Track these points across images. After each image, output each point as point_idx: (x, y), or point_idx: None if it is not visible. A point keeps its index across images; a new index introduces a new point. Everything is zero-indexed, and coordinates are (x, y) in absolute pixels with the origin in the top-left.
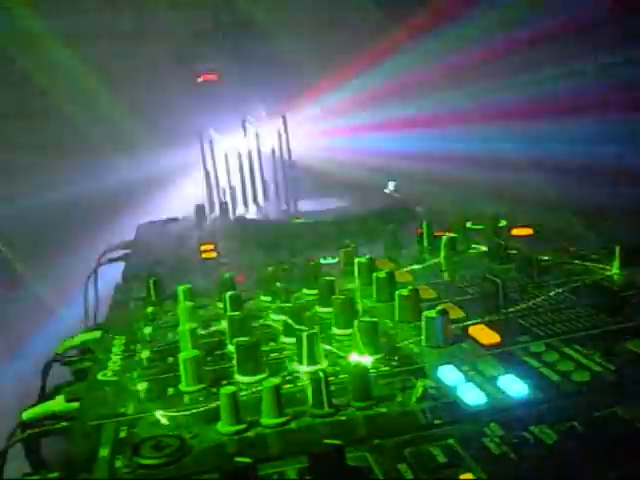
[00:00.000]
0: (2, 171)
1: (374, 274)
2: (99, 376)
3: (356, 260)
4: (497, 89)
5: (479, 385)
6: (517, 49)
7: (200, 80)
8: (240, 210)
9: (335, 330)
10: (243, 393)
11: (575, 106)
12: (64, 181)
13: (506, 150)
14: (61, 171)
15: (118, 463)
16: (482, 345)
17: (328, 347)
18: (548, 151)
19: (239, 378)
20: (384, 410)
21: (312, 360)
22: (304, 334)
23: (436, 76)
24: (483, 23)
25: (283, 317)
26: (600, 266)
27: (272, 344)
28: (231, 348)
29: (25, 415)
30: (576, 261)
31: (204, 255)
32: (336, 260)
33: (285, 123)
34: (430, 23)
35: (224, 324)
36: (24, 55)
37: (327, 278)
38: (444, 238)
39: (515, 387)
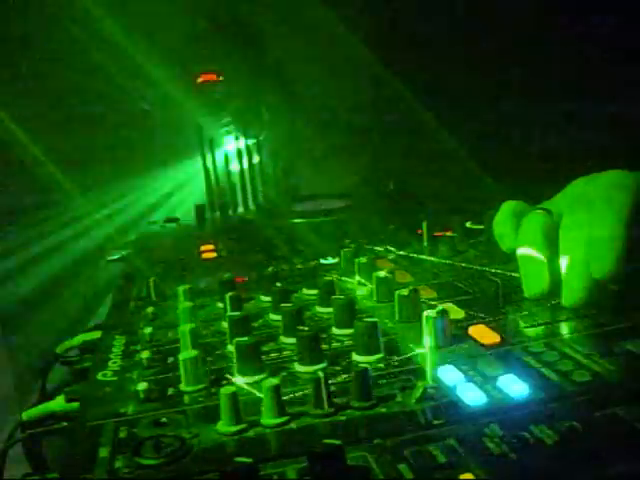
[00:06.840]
0: None
1: (374, 274)
2: (99, 376)
3: (356, 260)
4: None
5: (479, 385)
6: None
7: (200, 80)
8: (240, 210)
9: (335, 330)
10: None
11: None
12: None
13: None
14: None
15: (118, 463)
16: (482, 345)
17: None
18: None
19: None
20: (384, 410)
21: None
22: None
23: None
24: None
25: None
26: None
27: (272, 344)
28: (231, 348)
29: (25, 415)
30: None
31: (204, 255)
32: (336, 260)
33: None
34: None
35: (224, 324)
36: None
37: (327, 278)
38: (444, 238)
39: (515, 387)
